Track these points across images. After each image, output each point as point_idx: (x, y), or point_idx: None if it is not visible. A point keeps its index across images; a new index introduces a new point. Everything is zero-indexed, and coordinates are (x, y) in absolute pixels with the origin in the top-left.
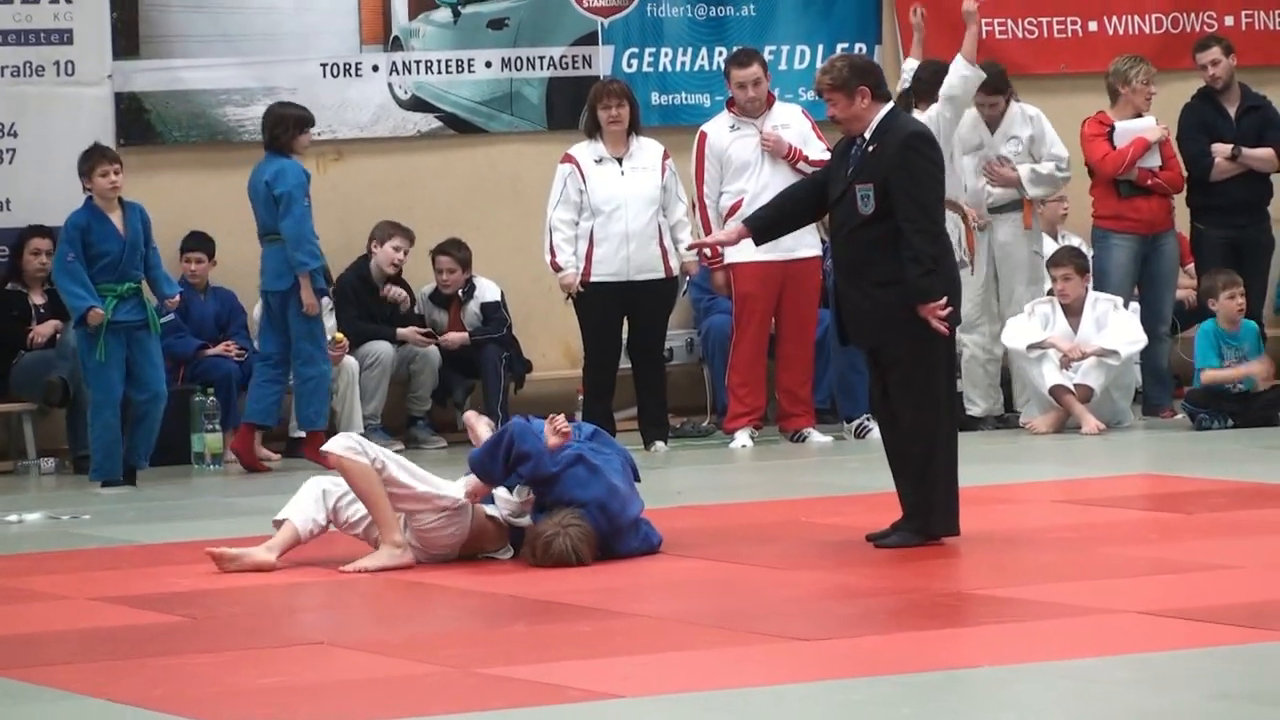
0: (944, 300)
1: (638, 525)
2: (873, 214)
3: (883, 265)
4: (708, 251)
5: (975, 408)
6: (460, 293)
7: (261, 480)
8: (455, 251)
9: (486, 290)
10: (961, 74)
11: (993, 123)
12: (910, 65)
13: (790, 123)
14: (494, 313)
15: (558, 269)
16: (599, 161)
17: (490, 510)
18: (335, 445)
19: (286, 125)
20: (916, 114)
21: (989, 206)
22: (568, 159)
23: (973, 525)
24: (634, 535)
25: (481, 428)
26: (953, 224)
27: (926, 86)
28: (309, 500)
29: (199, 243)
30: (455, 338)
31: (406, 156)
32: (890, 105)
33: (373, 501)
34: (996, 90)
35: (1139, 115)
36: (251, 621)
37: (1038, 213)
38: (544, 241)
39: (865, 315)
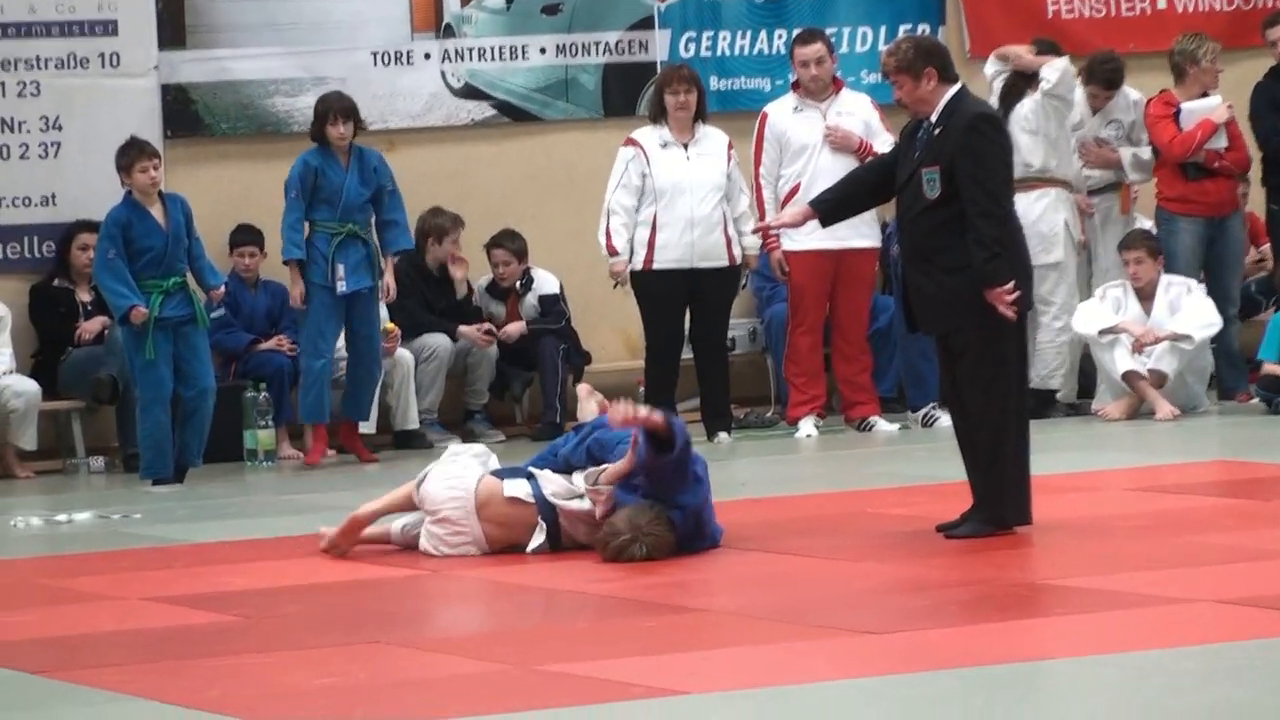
0: (1011, 285)
1: (712, 531)
2: (939, 198)
3: (950, 250)
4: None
5: (1059, 392)
6: (518, 285)
7: (315, 477)
8: (510, 243)
9: (545, 282)
10: (1049, 75)
11: (1095, 106)
12: (994, 67)
13: (855, 110)
14: (553, 305)
15: (613, 253)
16: (664, 146)
17: (514, 493)
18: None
19: (314, 116)
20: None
21: (1086, 189)
22: (631, 142)
23: (1045, 514)
24: (705, 540)
25: (593, 404)
26: (1070, 208)
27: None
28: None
29: (249, 235)
30: (514, 329)
31: (459, 146)
32: (958, 87)
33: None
34: (1111, 85)
35: (1205, 94)
36: (306, 621)
37: (1134, 198)
38: (600, 224)
39: (933, 301)
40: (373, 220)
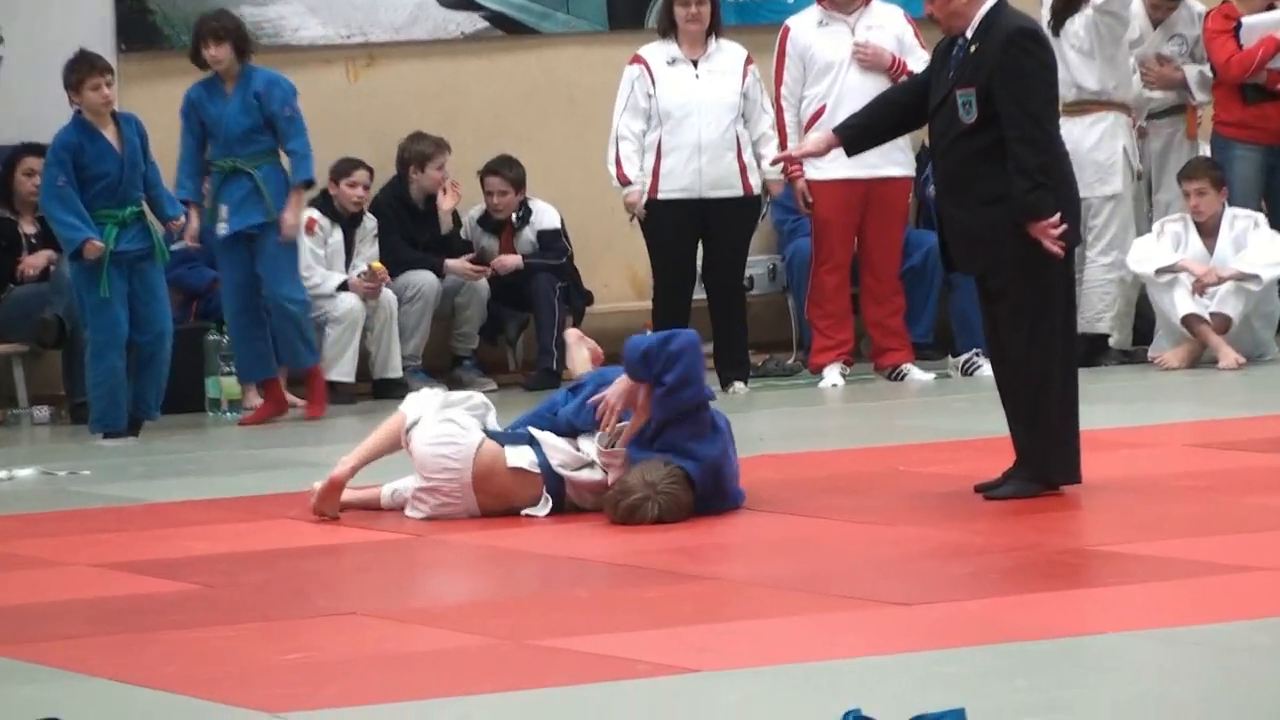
0: (1057, 217)
1: (734, 492)
2: (976, 122)
3: (988, 180)
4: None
5: (1111, 337)
6: (514, 217)
7: (285, 429)
8: (507, 171)
9: (544, 215)
10: None
11: (1156, 19)
12: None
13: (887, 24)
14: (553, 241)
15: (625, 182)
16: (671, 63)
17: (518, 463)
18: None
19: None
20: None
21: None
22: (636, 60)
23: (1096, 472)
24: (727, 500)
25: (584, 351)
26: (1129, 134)
27: None
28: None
29: None
30: (509, 260)
31: (448, 61)
32: (995, 0)
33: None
34: None
35: (1271, 7)
36: (274, 590)
37: (1200, 122)
38: (609, 153)
39: (970, 236)
40: (277, 152)
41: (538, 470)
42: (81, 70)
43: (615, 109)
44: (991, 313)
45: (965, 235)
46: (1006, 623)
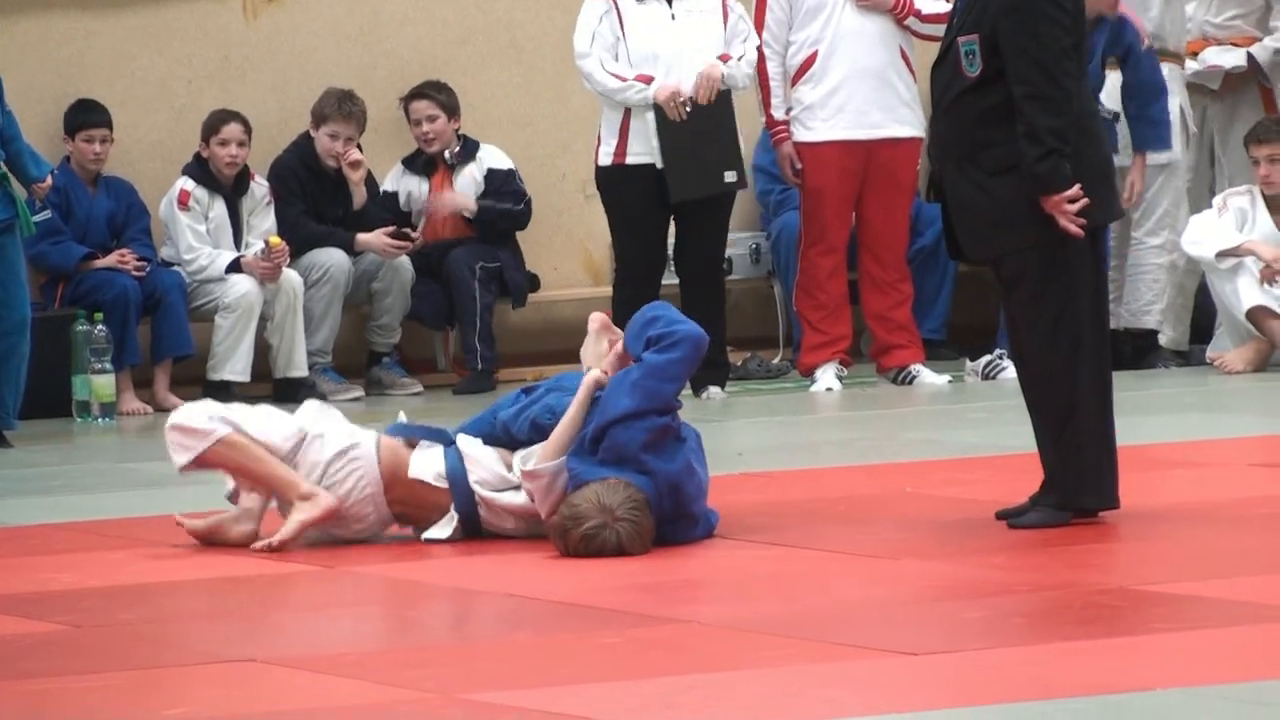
0: (1074, 189)
1: (703, 516)
2: (980, 76)
3: (997, 146)
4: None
5: (1162, 334)
6: (447, 154)
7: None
8: (436, 94)
9: (492, 155)
10: None
11: None
12: None
13: None
14: (506, 183)
15: (645, 81)
16: (641, 1)
17: (421, 474)
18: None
19: None
20: None
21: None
22: None
23: (1139, 497)
24: (695, 526)
25: (604, 344)
26: (1183, 90)
27: None
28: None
29: (94, 115)
30: (454, 200)
31: None
32: None
33: (254, 470)
34: None
35: None
36: (156, 630)
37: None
38: (589, 85)
39: (977, 214)
40: None
41: (445, 484)
42: None
43: (576, 40)
44: (1009, 304)
45: (972, 213)
46: (1032, 677)
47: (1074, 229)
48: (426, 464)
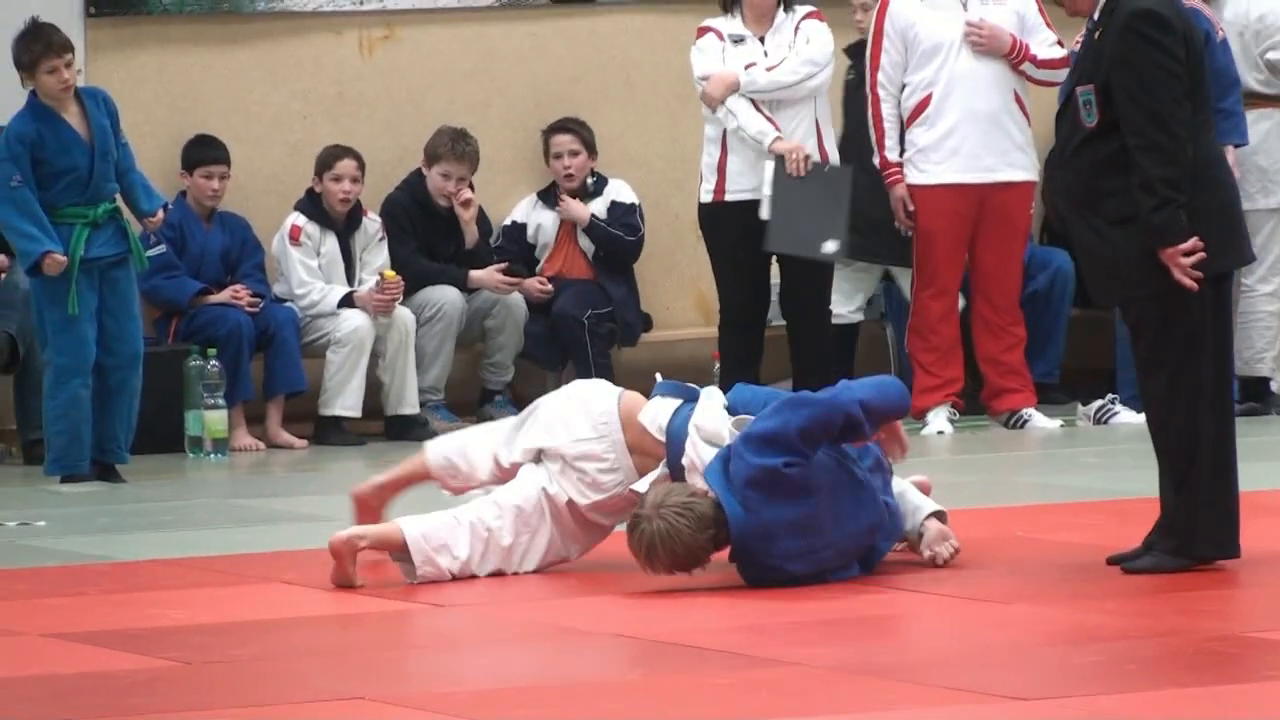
0: (1190, 241)
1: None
2: (1097, 125)
3: (1116, 195)
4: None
5: (1274, 380)
6: (587, 182)
7: (278, 477)
8: (579, 129)
9: (621, 189)
10: None
11: None
12: None
13: None
14: (626, 215)
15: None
16: (737, 42)
17: (646, 422)
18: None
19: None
20: None
21: None
22: (707, 30)
23: (1252, 543)
24: (778, 576)
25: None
26: None
27: None
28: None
29: (212, 150)
30: (575, 210)
31: (481, 30)
32: None
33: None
34: None
35: None
36: (267, 667)
37: None
38: (728, 119)
39: (1100, 262)
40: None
41: (662, 437)
42: (35, 49)
43: (696, 76)
44: (1134, 350)
45: (1096, 261)
46: None
47: (1188, 282)
48: (656, 413)
